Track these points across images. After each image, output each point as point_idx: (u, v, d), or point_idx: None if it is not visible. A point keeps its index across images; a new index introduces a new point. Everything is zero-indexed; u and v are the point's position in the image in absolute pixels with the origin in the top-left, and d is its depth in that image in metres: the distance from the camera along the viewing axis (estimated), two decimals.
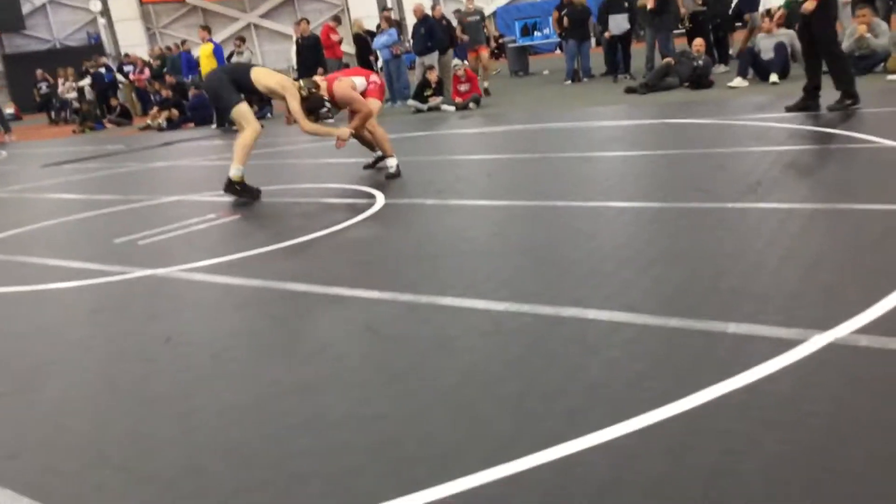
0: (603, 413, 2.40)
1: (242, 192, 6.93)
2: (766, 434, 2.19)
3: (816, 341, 2.69)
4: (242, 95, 6.97)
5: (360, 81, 7.38)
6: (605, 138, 8.23)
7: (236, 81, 6.95)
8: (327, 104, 7.14)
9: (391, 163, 7.21)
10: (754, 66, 11.05)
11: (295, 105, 6.91)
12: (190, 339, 3.60)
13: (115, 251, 5.56)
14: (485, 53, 15.90)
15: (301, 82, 7.09)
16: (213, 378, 3.11)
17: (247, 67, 7.13)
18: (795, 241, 3.88)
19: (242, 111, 6.99)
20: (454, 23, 16.01)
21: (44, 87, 24.17)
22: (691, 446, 2.17)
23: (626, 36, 14.45)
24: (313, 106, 7.03)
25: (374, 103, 7.39)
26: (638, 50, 15.33)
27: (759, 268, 3.55)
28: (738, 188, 5.16)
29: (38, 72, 24.47)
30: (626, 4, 14.40)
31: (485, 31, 15.85)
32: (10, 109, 23.32)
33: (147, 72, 20.85)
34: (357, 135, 7.46)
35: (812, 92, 7.88)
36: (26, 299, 4.67)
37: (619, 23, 14.27)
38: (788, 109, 7.98)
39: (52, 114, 23.90)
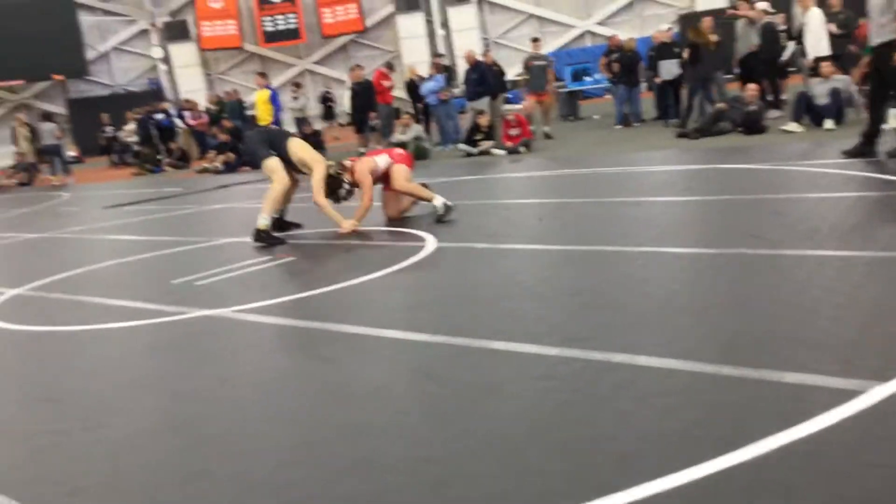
0: (656, 462, 2.38)
1: (267, 240, 7.14)
2: (828, 486, 2.14)
3: (877, 392, 2.63)
4: (272, 152, 7.37)
5: (382, 160, 7.53)
6: (657, 183, 8.21)
7: (272, 143, 7.40)
8: (346, 187, 7.38)
9: (437, 203, 7.28)
10: (809, 112, 10.95)
11: (318, 177, 7.23)
12: (244, 380, 3.65)
13: (173, 292, 5.68)
14: (548, 99, 15.72)
15: (332, 162, 7.46)
16: (265, 419, 3.16)
17: (285, 135, 7.63)
18: (853, 289, 3.81)
19: (271, 165, 7.37)
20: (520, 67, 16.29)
21: (109, 130, 24.88)
22: (749, 498, 2.14)
23: (677, 81, 14.45)
24: (333, 185, 7.33)
25: (399, 169, 7.47)
26: None
27: (817, 316, 3.50)
28: (795, 235, 5.10)
29: (104, 116, 25.20)
30: (677, 50, 14.44)
31: (549, 76, 15.60)
32: (72, 152, 24.04)
33: (205, 116, 21.39)
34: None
35: (870, 137, 7.78)
36: (87, 338, 4.79)
37: (669, 68, 14.29)
38: (845, 154, 7.88)
39: (115, 157, 24.58)
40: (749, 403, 2.71)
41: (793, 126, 10.77)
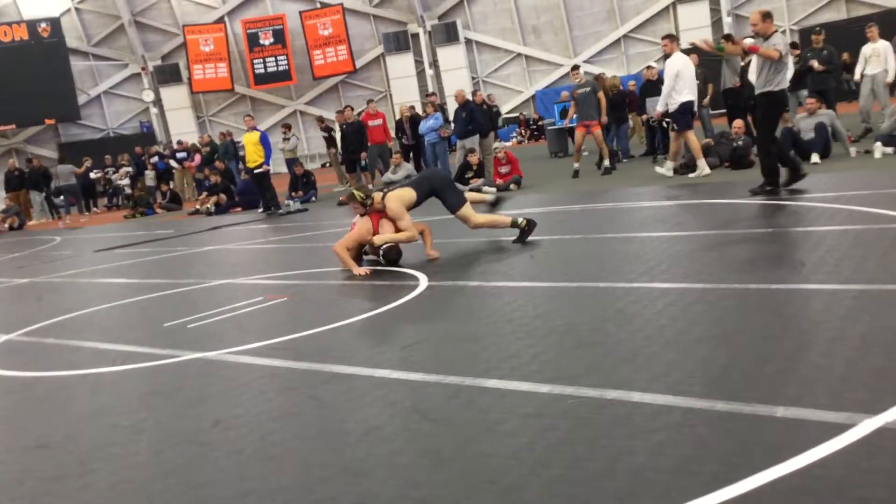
0: (650, 498, 2.39)
1: None
2: None
3: (866, 426, 2.66)
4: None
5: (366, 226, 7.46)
6: (646, 219, 8.28)
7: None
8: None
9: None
10: (795, 146, 11.07)
11: (394, 236, 7.41)
12: (238, 422, 3.65)
13: (165, 334, 5.69)
14: (597, 131, 13.69)
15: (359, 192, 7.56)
16: (262, 460, 3.16)
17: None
18: (842, 322, 3.85)
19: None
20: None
21: (90, 174, 24.63)
22: None
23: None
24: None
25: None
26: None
27: (806, 350, 3.53)
28: (782, 269, 5.15)
29: (87, 159, 25.02)
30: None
31: (600, 102, 13.79)
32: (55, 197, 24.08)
33: (198, 158, 21.54)
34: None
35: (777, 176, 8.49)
36: (79, 383, 4.79)
37: (655, 105, 14.46)
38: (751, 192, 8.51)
39: (107, 199, 24.57)
40: (741, 438, 2.73)
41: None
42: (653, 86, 14.69)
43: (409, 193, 7.53)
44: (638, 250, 6.51)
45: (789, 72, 12.20)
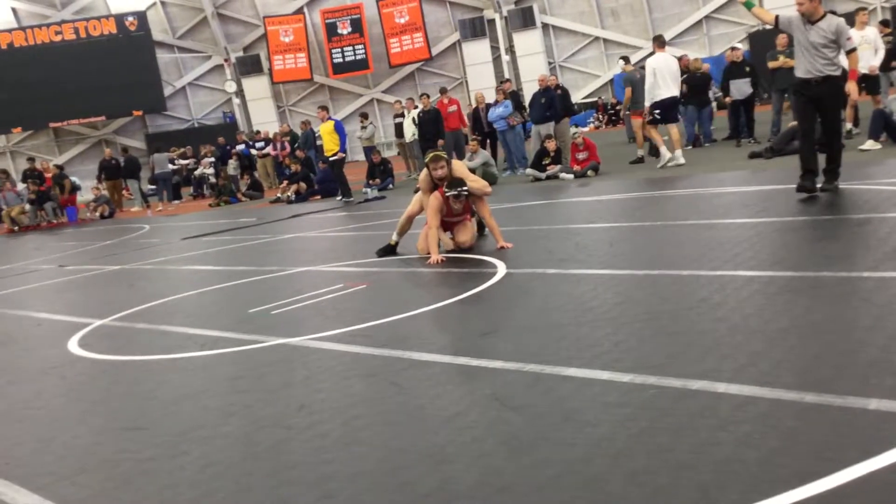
0: (736, 491, 2.35)
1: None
2: None
3: None
4: None
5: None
6: (731, 204, 8.09)
7: None
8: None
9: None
10: (887, 129, 10.66)
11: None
12: (322, 407, 3.73)
13: (250, 320, 5.83)
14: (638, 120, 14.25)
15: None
16: (345, 445, 3.22)
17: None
18: None
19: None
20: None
21: (181, 163, 25.47)
22: None
23: (749, 100, 14.25)
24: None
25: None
26: (761, 114, 15.06)
27: None
28: (875, 256, 4.97)
29: (174, 150, 25.83)
30: (748, 69, 14.25)
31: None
32: (151, 186, 24.90)
33: (287, 147, 21.88)
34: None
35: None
36: (169, 367, 4.95)
37: (740, 87, 14.11)
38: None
39: (192, 188, 25.28)
40: (831, 431, 2.66)
41: (870, 144, 10.50)
42: (737, 67, 14.31)
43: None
44: (721, 237, 6.37)
45: (880, 51, 11.73)
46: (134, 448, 3.59)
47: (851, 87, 7.46)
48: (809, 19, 7.37)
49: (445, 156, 7.76)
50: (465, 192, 7.34)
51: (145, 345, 5.66)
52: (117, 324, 6.52)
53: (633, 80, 14.66)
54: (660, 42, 13.19)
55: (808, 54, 7.41)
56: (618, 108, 26.88)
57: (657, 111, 12.65)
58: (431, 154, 7.74)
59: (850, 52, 7.42)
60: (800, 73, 7.55)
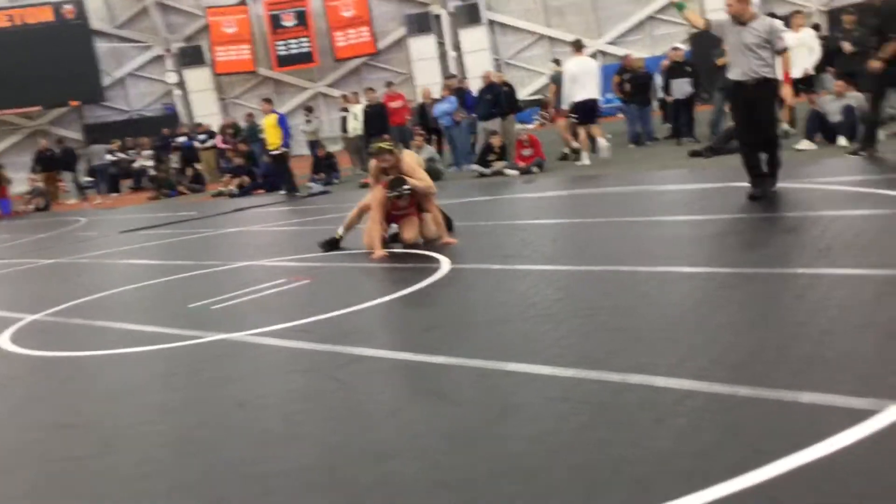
0: (672, 484, 2.38)
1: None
2: None
3: (893, 412, 2.63)
4: None
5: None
6: (670, 202, 8.22)
7: None
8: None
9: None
10: (822, 129, 10.94)
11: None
12: (261, 403, 3.68)
13: (190, 316, 5.73)
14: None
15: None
16: (285, 442, 3.18)
17: None
18: (869, 307, 3.81)
19: None
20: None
21: (107, 156, 24.66)
22: None
23: (690, 100, 14.49)
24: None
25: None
26: (701, 113, 15.33)
27: (832, 335, 3.49)
28: (809, 253, 5.10)
29: (115, 142, 25.16)
30: (689, 69, 14.49)
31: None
32: (89, 178, 24.27)
33: (232, 142, 21.34)
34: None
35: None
36: (105, 363, 4.84)
37: (681, 87, 14.33)
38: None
39: (131, 181, 24.71)
40: (765, 424, 2.71)
41: (805, 144, 10.76)
42: (678, 67, 14.55)
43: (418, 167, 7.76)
44: (661, 234, 6.47)
45: (815, 53, 11.98)
46: (66, 446, 3.50)
47: (786, 91, 7.44)
48: (740, 20, 7.23)
49: (390, 147, 7.66)
50: (407, 192, 7.29)
51: (80, 341, 5.52)
52: (51, 319, 6.35)
53: (560, 81, 14.95)
54: (577, 46, 13.77)
55: (741, 56, 7.29)
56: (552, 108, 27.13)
57: (574, 114, 13.17)
58: (376, 147, 7.65)
59: (782, 52, 7.34)
60: (734, 75, 7.43)
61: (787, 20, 12.89)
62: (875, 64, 9.11)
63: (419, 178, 7.41)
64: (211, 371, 4.33)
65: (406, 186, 7.21)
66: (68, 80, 31.56)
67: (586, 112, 13.08)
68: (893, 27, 9.03)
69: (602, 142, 13.04)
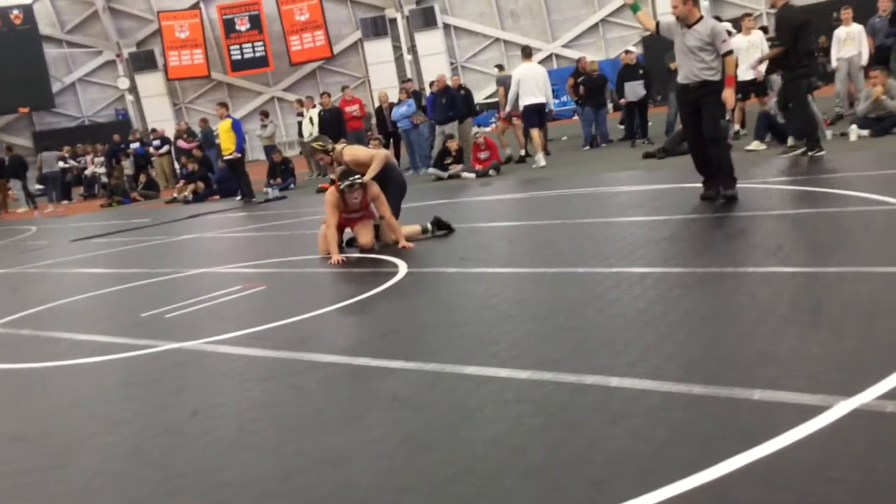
0: (628, 483, 2.41)
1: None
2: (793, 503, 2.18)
3: (841, 407, 2.69)
4: None
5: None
6: (625, 203, 8.31)
7: None
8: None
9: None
10: (771, 130, 11.14)
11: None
12: (217, 412, 3.64)
13: (143, 325, 5.64)
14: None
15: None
16: (240, 450, 3.14)
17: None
18: (818, 305, 3.88)
19: None
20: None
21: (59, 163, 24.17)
22: None
23: (643, 102, 14.67)
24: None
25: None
26: (654, 115, 15.54)
27: (782, 333, 3.56)
28: (759, 252, 5.19)
29: (65, 148, 24.71)
30: (641, 72, 14.68)
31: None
32: (39, 185, 23.79)
33: (194, 142, 20.88)
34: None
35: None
36: (56, 374, 4.74)
37: (634, 89, 14.51)
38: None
39: (83, 188, 24.27)
40: (718, 422, 2.75)
41: (756, 145, 10.95)
42: (631, 70, 14.72)
43: (364, 150, 7.92)
44: (616, 235, 6.53)
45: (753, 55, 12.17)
46: (17, 459, 3.42)
47: (728, 94, 7.25)
48: (686, 23, 7.22)
49: (322, 146, 7.66)
50: (359, 182, 7.22)
51: (31, 352, 5.41)
52: (0, 330, 6.21)
53: (507, 85, 15.43)
54: (526, 53, 14.40)
55: (686, 59, 7.28)
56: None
57: (515, 117, 13.97)
58: (310, 147, 7.68)
59: (726, 54, 7.22)
60: (680, 78, 7.47)
61: (737, 23, 13.11)
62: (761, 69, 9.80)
63: (363, 164, 7.46)
64: (165, 380, 4.27)
65: (356, 177, 7.18)
66: (17, 87, 30.95)
67: (532, 116, 13.54)
68: (783, 36, 9.30)
69: (540, 156, 13.48)
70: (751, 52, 11.83)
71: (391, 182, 7.73)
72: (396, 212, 7.63)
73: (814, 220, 5.90)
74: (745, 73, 11.25)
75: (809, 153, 9.26)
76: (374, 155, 7.66)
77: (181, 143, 21.27)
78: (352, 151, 7.74)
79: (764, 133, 11.13)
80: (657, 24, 7.74)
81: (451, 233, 7.59)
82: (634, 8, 7.64)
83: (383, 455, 2.90)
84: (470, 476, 2.63)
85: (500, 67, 17.39)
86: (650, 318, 4.04)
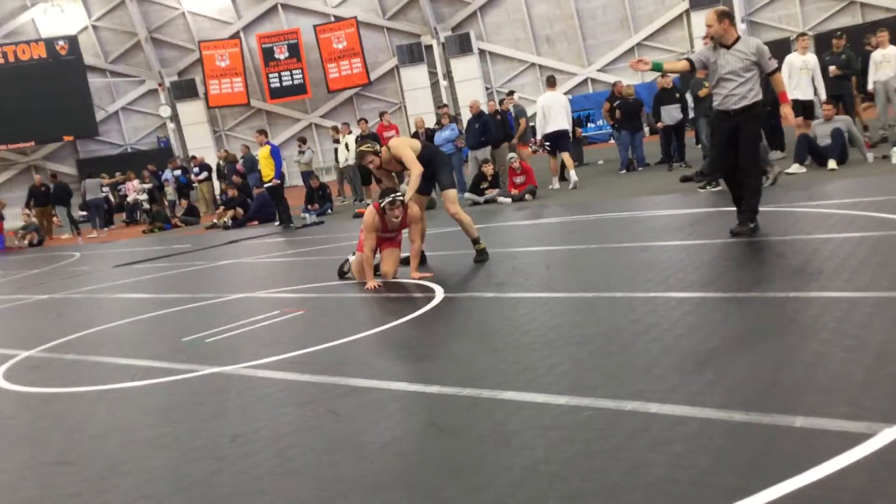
0: None
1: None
2: None
3: (886, 435, 2.64)
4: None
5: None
6: (663, 227, 8.26)
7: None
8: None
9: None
10: (811, 153, 11.02)
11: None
12: (256, 437, 3.67)
13: (184, 349, 5.72)
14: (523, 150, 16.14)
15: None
16: (279, 475, 3.17)
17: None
18: (861, 330, 3.82)
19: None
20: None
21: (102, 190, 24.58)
22: None
23: (680, 126, 14.60)
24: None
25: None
26: (692, 138, 15.44)
27: (824, 358, 3.50)
28: (800, 277, 5.12)
29: (105, 176, 25.18)
30: (678, 95, 14.62)
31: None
32: (82, 212, 24.29)
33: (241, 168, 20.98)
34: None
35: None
36: (99, 398, 4.82)
37: (671, 113, 14.45)
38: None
39: (125, 215, 24.72)
40: (759, 449, 2.71)
41: (795, 168, 10.83)
42: (668, 94, 14.67)
43: (414, 142, 7.93)
44: (654, 259, 6.49)
45: (818, 78, 12.05)
46: (59, 484, 3.48)
47: (787, 111, 6.92)
48: (724, 44, 6.79)
49: (370, 149, 7.60)
50: (400, 200, 7.07)
51: (74, 376, 5.50)
52: (45, 355, 6.33)
53: (524, 113, 16.38)
54: (550, 82, 15.16)
55: (727, 83, 6.81)
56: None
57: (548, 143, 14.44)
58: (359, 151, 7.72)
59: (773, 73, 6.91)
60: (716, 104, 6.98)
61: (792, 43, 13.04)
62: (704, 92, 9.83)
63: (400, 163, 7.54)
64: (205, 405, 4.32)
65: (398, 194, 7.13)
66: (62, 116, 31.71)
67: (558, 141, 14.26)
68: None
69: (573, 173, 14.10)
70: (803, 73, 11.76)
71: (438, 164, 7.78)
72: (452, 184, 7.96)
73: (855, 244, 5.81)
74: (794, 92, 11.12)
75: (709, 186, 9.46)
76: (413, 165, 7.43)
77: (239, 167, 21.39)
78: (397, 145, 7.67)
79: (804, 156, 11.00)
80: (689, 62, 7.15)
81: (486, 259, 7.57)
82: (657, 67, 7.18)
83: (420, 481, 2.90)
84: (507, 502, 2.62)
85: (511, 94, 18.12)
86: (689, 344, 4.00)
